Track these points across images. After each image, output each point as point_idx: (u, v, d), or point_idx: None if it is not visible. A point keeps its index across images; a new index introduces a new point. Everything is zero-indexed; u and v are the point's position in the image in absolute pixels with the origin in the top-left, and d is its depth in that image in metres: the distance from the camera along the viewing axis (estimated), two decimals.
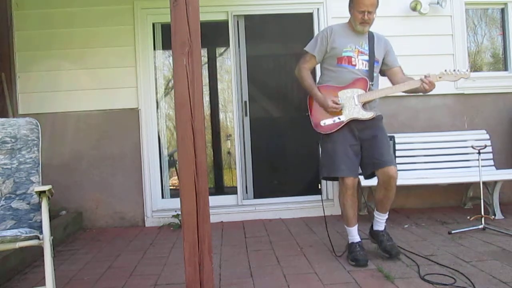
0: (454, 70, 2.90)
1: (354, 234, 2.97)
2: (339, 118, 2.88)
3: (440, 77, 2.86)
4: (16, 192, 2.33)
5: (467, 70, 2.91)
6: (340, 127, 2.88)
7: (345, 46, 2.90)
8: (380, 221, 3.02)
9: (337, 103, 2.86)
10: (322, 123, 2.92)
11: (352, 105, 2.87)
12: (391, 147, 3.04)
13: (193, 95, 2.21)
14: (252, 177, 4.65)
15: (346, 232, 3.07)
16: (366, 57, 2.91)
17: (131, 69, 4.41)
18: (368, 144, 2.92)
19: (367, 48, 2.92)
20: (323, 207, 3.36)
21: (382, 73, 3.07)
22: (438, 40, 4.56)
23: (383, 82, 3.07)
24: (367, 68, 2.91)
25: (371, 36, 2.95)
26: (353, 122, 2.88)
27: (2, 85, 4.17)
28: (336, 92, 2.90)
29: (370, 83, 2.88)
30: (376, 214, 3.03)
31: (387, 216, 3.04)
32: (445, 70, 2.89)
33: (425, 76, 2.82)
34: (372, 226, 3.07)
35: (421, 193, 4.57)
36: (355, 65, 2.89)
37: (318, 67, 3.27)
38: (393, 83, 3.02)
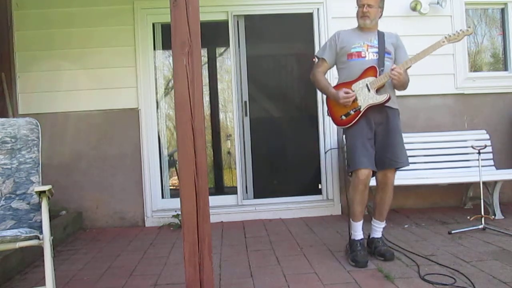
0: (456, 31, 2.89)
1: (357, 230, 2.95)
2: (356, 109, 2.90)
3: (443, 42, 2.87)
4: (16, 192, 2.33)
5: (469, 27, 2.92)
6: (358, 117, 2.89)
7: (354, 43, 2.93)
8: (377, 230, 3.03)
9: (348, 92, 2.87)
10: (342, 118, 2.95)
11: (366, 93, 2.87)
12: (404, 144, 3.01)
13: (193, 95, 2.21)
14: (252, 177, 4.65)
15: (346, 232, 3.07)
16: (376, 49, 2.92)
17: (131, 69, 4.41)
18: (382, 140, 2.93)
19: (376, 42, 2.92)
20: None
21: None
22: (438, 40, 4.54)
23: None
24: (377, 57, 2.91)
25: (380, 33, 2.97)
26: (371, 114, 2.89)
27: (2, 85, 4.17)
28: (350, 87, 2.91)
29: (380, 68, 2.88)
30: (373, 222, 3.05)
31: (384, 225, 3.05)
32: (448, 35, 2.89)
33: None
34: (369, 235, 3.08)
35: (421, 193, 4.57)
36: (365, 57, 2.91)
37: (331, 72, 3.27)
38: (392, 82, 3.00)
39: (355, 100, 2.88)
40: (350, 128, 2.93)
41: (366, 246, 3.04)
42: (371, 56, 2.91)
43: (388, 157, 2.91)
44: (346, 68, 2.97)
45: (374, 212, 3.06)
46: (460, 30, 2.90)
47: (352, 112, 2.90)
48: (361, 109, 2.88)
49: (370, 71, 2.88)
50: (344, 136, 3.04)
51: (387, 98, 2.87)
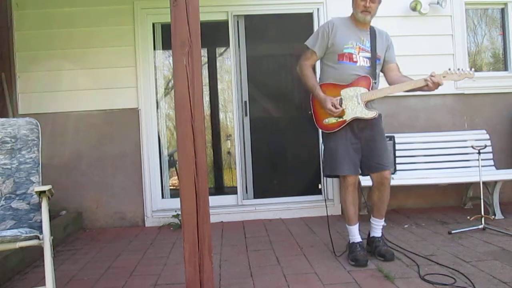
0: (459, 69, 2.84)
1: (354, 234, 2.97)
2: (341, 117, 2.86)
3: (444, 77, 2.80)
4: (16, 192, 2.33)
5: (471, 70, 2.85)
6: (343, 126, 2.87)
7: (346, 42, 2.86)
8: (377, 228, 3.02)
9: (336, 107, 2.82)
10: (325, 121, 2.91)
11: (355, 104, 2.84)
12: (388, 148, 3.02)
13: (193, 95, 2.21)
14: (252, 177, 4.65)
15: (346, 232, 3.07)
16: (368, 54, 2.88)
17: (131, 69, 4.41)
18: (367, 145, 2.92)
19: (368, 45, 2.88)
20: (326, 207, 3.36)
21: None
22: (438, 40, 4.56)
23: (383, 81, 3.05)
24: (368, 65, 2.87)
25: (372, 32, 2.91)
26: (354, 120, 2.87)
27: (2, 85, 4.18)
28: (339, 91, 2.87)
29: (373, 81, 2.85)
30: (372, 220, 3.05)
31: (383, 223, 3.05)
32: (449, 69, 2.83)
33: (431, 76, 2.77)
34: (369, 234, 3.08)
35: (421, 193, 4.57)
36: (356, 62, 2.86)
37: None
38: (387, 79, 3.00)
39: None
40: (333, 133, 2.90)
41: (367, 244, 3.05)
42: (362, 62, 2.87)
43: (375, 161, 2.91)
44: (335, 69, 2.90)
45: (372, 211, 3.06)
46: (463, 70, 2.83)
47: (338, 119, 2.86)
48: (347, 120, 2.85)
49: (363, 81, 2.84)
50: (323, 137, 3.00)
51: (375, 115, 2.85)
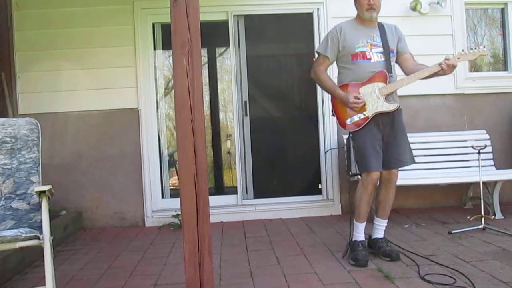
0: (472, 49, 2.87)
1: (360, 232, 2.95)
2: (364, 114, 2.86)
3: (458, 58, 2.83)
4: (16, 192, 2.33)
5: (484, 47, 2.87)
6: (366, 122, 2.86)
7: (357, 42, 2.88)
8: (380, 229, 3.01)
9: (358, 98, 2.83)
10: (348, 121, 2.90)
11: (375, 99, 2.84)
12: (408, 142, 3.00)
13: (193, 95, 2.21)
14: (252, 177, 4.65)
15: (346, 232, 3.07)
16: (381, 49, 2.89)
17: (131, 69, 4.41)
18: (387, 142, 2.91)
19: (379, 40, 2.89)
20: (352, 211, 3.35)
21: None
22: (438, 40, 4.56)
23: (399, 72, 3.04)
24: (383, 59, 2.88)
25: (381, 27, 2.93)
26: (378, 116, 2.86)
27: (2, 85, 4.18)
28: (358, 89, 2.87)
29: (389, 74, 2.86)
30: (376, 221, 3.04)
31: (386, 224, 3.04)
32: (463, 50, 2.87)
33: (445, 59, 2.78)
34: (370, 236, 3.07)
35: (421, 193, 4.56)
36: (370, 59, 2.87)
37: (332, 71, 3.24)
38: (403, 70, 3.01)
39: (364, 105, 2.85)
40: (359, 130, 2.89)
41: (369, 247, 3.04)
42: (376, 57, 2.88)
43: (394, 157, 2.91)
44: (351, 69, 2.91)
45: (377, 211, 3.04)
46: (477, 49, 2.86)
47: (361, 116, 2.86)
48: (370, 116, 2.85)
49: (380, 76, 2.85)
50: (350, 136, 2.98)
51: (397, 107, 2.86)
